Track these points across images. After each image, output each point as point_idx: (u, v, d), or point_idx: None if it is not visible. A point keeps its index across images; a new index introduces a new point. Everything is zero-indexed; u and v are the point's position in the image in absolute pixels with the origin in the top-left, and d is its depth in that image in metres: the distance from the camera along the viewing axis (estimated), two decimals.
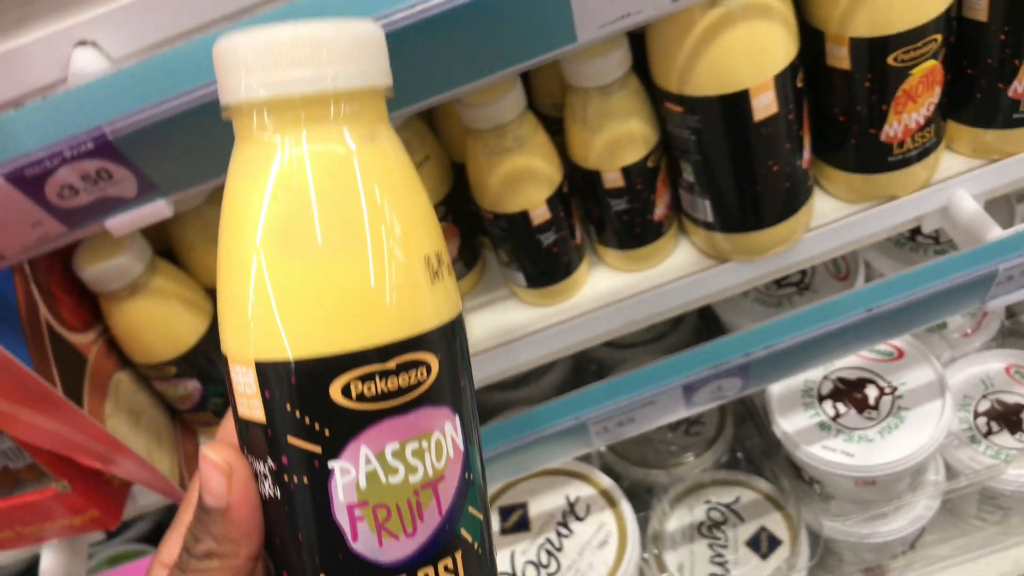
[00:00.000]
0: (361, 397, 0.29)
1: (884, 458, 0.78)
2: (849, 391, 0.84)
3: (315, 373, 0.29)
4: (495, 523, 0.84)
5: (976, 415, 0.90)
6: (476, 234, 0.76)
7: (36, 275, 0.59)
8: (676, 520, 0.89)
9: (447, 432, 0.31)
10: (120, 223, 0.46)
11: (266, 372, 0.29)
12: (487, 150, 0.62)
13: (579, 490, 0.85)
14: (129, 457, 0.57)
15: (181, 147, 0.43)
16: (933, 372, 0.83)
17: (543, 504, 0.85)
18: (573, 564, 0.80)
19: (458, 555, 0.32)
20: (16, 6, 0.47)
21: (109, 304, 0.62)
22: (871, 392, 0.83)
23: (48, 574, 0.68)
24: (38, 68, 0.45)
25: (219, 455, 0.31)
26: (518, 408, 0.99)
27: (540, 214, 0.65)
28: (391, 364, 0.29)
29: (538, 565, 0.81)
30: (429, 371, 0.30)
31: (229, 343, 0.30)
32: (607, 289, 0.71)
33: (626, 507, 0.82)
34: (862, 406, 0.82)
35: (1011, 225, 0.87)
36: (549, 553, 0.81)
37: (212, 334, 0.66)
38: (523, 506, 0.85)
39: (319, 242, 0.29)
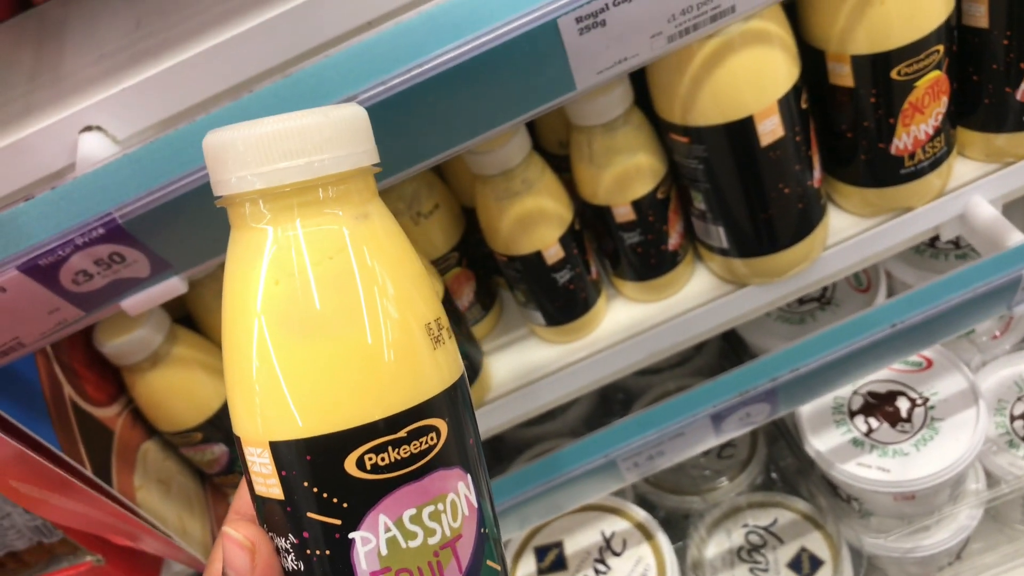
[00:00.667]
0: (376, 468, 0.30)
1: (921, 471, 0.76)
2: (880, 405, 0.82)
3: (329, 449, 0.29)
4: (531, 564, 0.83)
5: (1013, 419, 0.88)
6: (491, 275, 0.76)
7: (58, 354, 0.59)
8: (715, 546, 0.88)
9: (460, 492, 0.32)
10: (136, 303, 0.46)
11: (281, 452, 0.30)
12: (496, 194, 0.62)
13: (614, 525, 0.84)
14: (152, 535, 0.58)
15: (190, 225, 0.43)
16: (964, 379, 0.82)
17: (579, 541, 0.84)
18: None
19: None
20: (20, 96, 0.47)
21: (132, 376, 0.62)
22: (903, 404, 0.82)
23: None
24: (46, 156, 0.46)
25: (241, 532, 0.31)
26: (546, 442, 0.98)
27: (554, 253, 0.64)
28: (402, 433, 0.30)
29: None
30: (439, 435, 0.31)
31: (242, 426, 0.31)
32: (627, 322, 0.70)
33: (663, 539, 0.81)
34: (895, 419, 0.81)
35: None
36: None
37: None
38: (559, 545, 0.84)
39: (323, 322, 0.29)
